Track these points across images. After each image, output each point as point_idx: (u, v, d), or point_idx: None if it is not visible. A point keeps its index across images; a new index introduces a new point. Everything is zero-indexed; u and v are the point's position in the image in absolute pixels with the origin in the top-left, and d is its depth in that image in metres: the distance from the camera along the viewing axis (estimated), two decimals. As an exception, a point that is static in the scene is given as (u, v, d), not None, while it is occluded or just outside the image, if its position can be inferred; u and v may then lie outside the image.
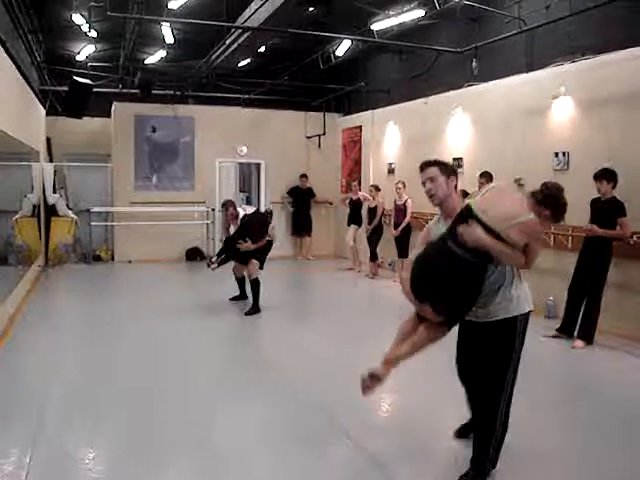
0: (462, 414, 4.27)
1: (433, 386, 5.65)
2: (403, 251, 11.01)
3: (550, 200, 3.66)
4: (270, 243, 8.96)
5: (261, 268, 8.78)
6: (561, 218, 3.72)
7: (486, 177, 8.57)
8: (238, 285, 9.21)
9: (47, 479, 3.84)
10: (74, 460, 4.14)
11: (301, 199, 14.42)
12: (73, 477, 3.93)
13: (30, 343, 6.97)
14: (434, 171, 3.77)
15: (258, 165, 14.70)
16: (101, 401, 5.18)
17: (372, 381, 3.88)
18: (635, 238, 6.87)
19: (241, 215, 8.87)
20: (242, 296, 9.21)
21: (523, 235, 3.46)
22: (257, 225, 8.85)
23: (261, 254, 8.78)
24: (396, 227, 10.97)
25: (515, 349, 3.68)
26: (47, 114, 13.87)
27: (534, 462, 4.12)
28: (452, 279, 3.51)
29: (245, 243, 8.56)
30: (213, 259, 9.11)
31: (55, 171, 13.08)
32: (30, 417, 4.72)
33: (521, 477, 3.93)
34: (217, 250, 9.84)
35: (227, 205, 9.02)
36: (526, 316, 3.71)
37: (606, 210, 6.76)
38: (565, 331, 7.16)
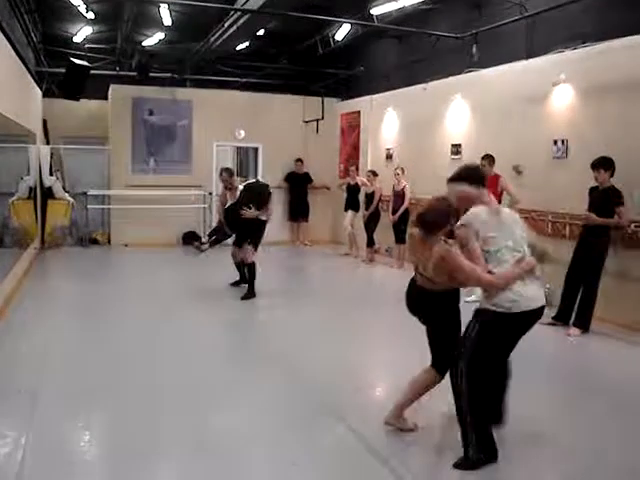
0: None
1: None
2: (401, 237, 11.01)
3: (429, 226, 3.89)
4: (264, 223, 8.70)
5: (255, 250, 8.68)
6: (450, 224, 3.89)
7: (488, 159, 8.45)
8: (237, 269, 9.11)
9: (43, 461, 3.84)
10: (70, 442, 4.15)
11: (297, 184, 14.37)
12: (68, 459, 3.93)
13: (26, 325, 6.95)
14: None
15: (256, 149, 14.64)
16: (97, 384, 5.18)
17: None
18: (633, 227, 6.87)
19: (241, 187, 8.73)
20: (242, 280, 9.06)
21: (442, 271, 3.85)
22: (260, 195, 8.64)
23: (255, 236, 8.63)
24: (394, 213, 10.96)
25: (471, 338, 3.83)
26: (44, 96, 13.77)
27: (529, 450, 4.14)
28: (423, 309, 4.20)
29: (249, 210, 8.35)
30: (203, 240, 8.89)
31: (52, 153, 13.03)
32: (26, 399, 4.72)
33: (517, 465, 3.94)
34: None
35: (225, 171, 8.88)
36: (497, 315, 3.77)
37: (604, 199, 6.74)
38: (561, 319, 7.17)
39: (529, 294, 3.87)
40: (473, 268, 3.73)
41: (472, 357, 3.80)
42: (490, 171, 8.39)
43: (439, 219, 3.88)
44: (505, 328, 3.85)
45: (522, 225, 4.04)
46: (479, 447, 3.81)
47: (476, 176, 4.06)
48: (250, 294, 8.50)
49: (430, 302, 4.12)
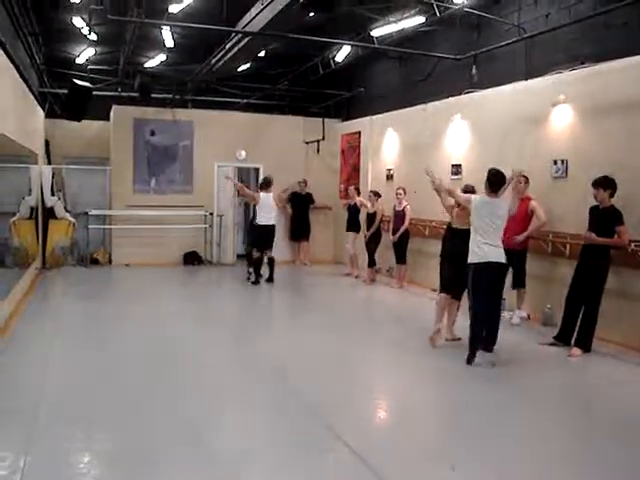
0: (451, 419, 4.25)
1: (422, 391, 5.67)
2: (401, 257, 11.00)
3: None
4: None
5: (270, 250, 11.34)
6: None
7: (524, 178, 8.23)
8: (257, 270, 11.35)
9: (41, 483, 3.82)
10: (69, 464, 4.11)
11: (300, 204, 14.39)
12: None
13: (26, 346, 6.94)
14: None
15: (257, 170, 14.68)
16: (97, 405, 5.15)
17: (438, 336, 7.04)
18: (633, 246, 6.87)
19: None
20: (257, 280, 11.32)
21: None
22: None
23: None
24: (394, 233, 10.95)
25: (469, 283, 6.49)
26: (46, 116, 13.86)
27: (528, 466, 4.11)
28: None
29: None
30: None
31: (53, 174, 13.08)
32: (25, 421, 4.69)
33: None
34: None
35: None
36: (474, 265, 6.38)
37: (604, 218, 6.75)
38: (562, 339, 7.13)
39: (490, 253, 6.32)
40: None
41: (473, 288, 6.45)
42: (524, 191, 8.07)
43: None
44: (480, 271, 6.34)
45: None
46: (473, 343, 6.38)
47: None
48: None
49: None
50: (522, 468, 4.14)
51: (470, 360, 6.34)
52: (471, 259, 6.42)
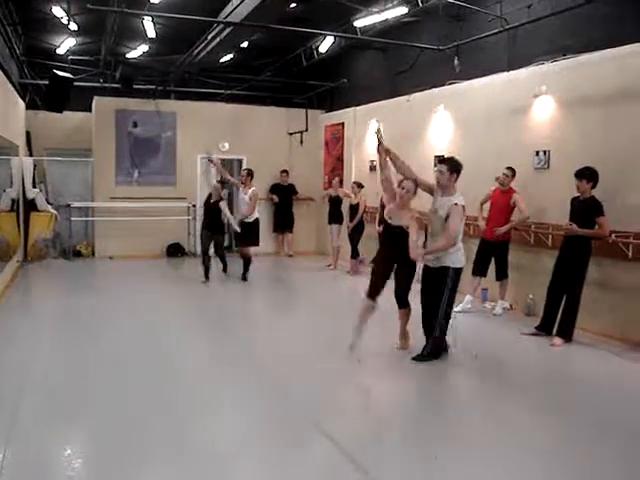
0: (436, 413, 4.26)
1: (406, 386, 5.70)
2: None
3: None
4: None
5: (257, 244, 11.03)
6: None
7: (511, 171, 8.38)
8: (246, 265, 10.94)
9: (21, 478, 3.79)
10: (49, 458, 4.09)
11: (282, 195, 14.36)
12: (48, 476, 3.88)
13: (6, 339, 6.88)
14: (443, 167, 6.31)
15: (240, 161, 14.63)
16: (77, 399, 5.13)
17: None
18: (614, 237, 6.92)
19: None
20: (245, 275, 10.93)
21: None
22: None
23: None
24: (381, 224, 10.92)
25: (448, 287, 6.16)
26: (27, 108, 13.71)
27: (507, 455, 4.15)
28: None
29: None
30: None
31: (35, 165, 12.95)
32: (4, 415, 4.67)
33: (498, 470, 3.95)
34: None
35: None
36: (457, 270, 6.22)
37: (584, 209, 6.80)
38: (544, 329, 7.20)
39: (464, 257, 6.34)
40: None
41: (450, 295, 6.22)
42: (509, 183, 8.31)
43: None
44: (460, 273, 6.29)
45: None
46: (434, 353, 6.23)
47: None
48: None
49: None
50: (506, 460, 4.17)
51: (447, 349, 6.42)
52: (455, 264, 6.20)
